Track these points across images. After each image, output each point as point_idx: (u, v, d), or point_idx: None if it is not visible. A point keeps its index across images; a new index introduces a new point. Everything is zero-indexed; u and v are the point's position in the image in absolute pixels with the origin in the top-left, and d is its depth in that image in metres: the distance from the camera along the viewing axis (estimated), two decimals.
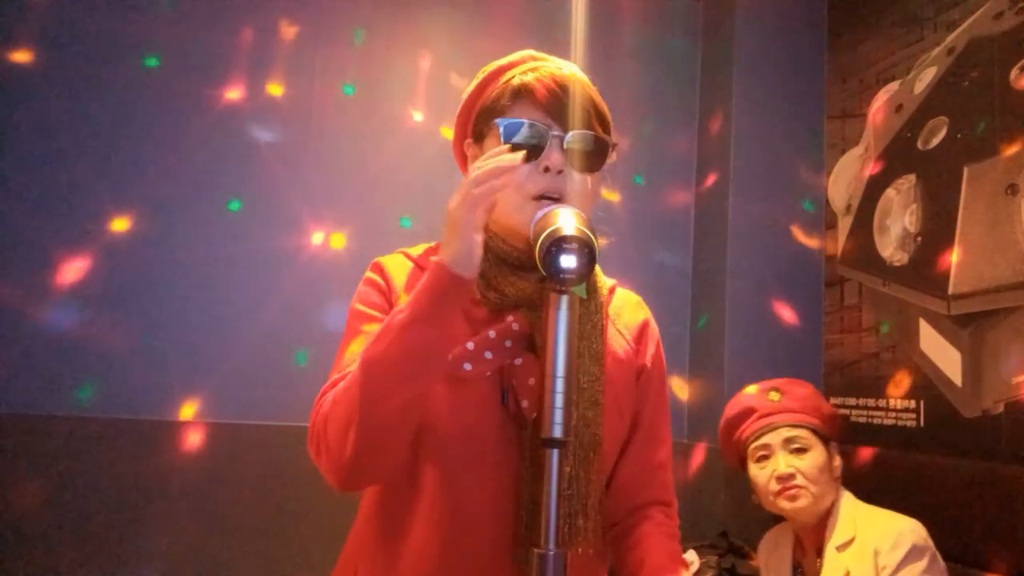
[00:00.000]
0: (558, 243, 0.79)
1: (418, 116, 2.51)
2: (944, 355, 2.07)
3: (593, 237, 0.80)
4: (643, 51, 2.80)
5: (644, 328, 1.09)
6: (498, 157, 0.86)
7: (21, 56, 2.16)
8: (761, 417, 1.69)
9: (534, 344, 0.93)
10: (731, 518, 2.37)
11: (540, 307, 0.86)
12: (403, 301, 0.89)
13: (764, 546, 1.80)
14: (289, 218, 2.35)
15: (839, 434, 1.75)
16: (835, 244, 2.55)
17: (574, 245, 0.78)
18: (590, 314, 1.01)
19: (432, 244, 1.08)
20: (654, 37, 2.83)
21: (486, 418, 0.94)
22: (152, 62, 2.28)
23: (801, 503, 1.59)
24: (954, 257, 2.05)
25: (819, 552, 1.57)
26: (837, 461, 1.67)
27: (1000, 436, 1.83)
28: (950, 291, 2.05)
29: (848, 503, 1.60)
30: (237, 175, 2.31)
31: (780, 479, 1.60)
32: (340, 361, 0.97)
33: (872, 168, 2.43)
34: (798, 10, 2.71)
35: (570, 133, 0.95)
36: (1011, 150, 1.93)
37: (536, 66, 1.00)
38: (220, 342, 2.23)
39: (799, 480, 1.59)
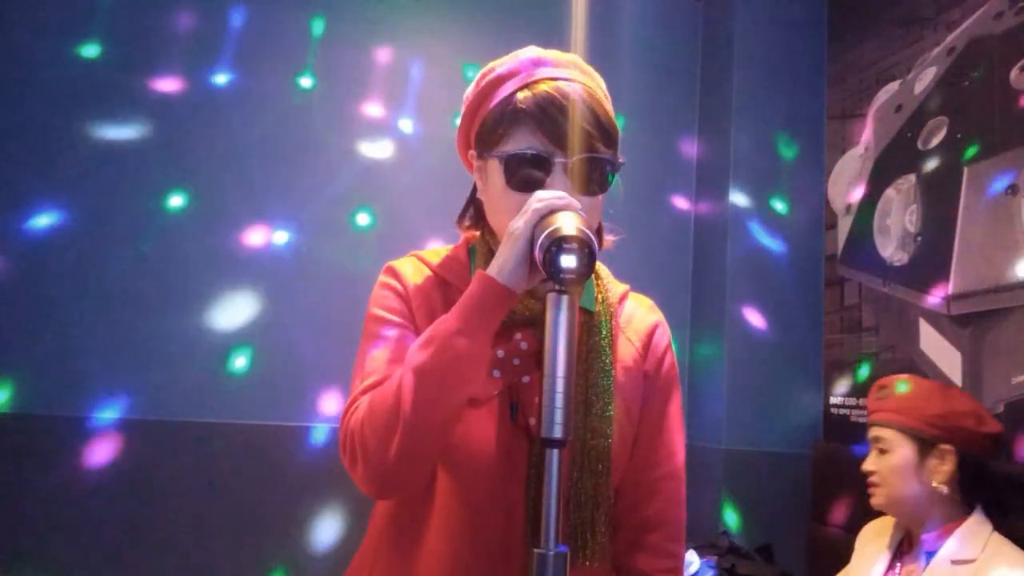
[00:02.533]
0: (558, 243, 0.78)
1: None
2: (944, 355, 2.07)
3: (593, 237, 0.80)
4: (643, 51, 2.80)
5: (652, 333, 1.07)
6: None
7: None
8: (868, 413, 1.74)
9: (542, 362, 0.93)
10: (731, 518, 2.38)
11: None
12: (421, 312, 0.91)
13: (866, 532, 1.78)
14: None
15: (965, 439, 1.58)
16: (835, 244, 2.55)
17: (574, 245, 0.78)
18: (599, 325, 1.00)
19: (449, 247, 1.06)
20: (654, 37, 2.83)
21: (495, 435, 0.93)
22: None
23: (875, 500, 1.65)
24: (954, 257, 2.05)
25: (928, 556, 1.55)
26: (931, 465, 1.58)
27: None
28: (950, 291, 2.05)
29: (978, 523, 1.54)
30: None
31: (864, 474, 1.68)
32: (363, 367, 0.96)
33: (872, 168, 2.43)
34: (798, 10, 2.71)
35: (573, 159, 0.91)
36: (1011, 150, 1.93)
37: (537, 79, 0.95)
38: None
39: (875, 479, 1.65)
